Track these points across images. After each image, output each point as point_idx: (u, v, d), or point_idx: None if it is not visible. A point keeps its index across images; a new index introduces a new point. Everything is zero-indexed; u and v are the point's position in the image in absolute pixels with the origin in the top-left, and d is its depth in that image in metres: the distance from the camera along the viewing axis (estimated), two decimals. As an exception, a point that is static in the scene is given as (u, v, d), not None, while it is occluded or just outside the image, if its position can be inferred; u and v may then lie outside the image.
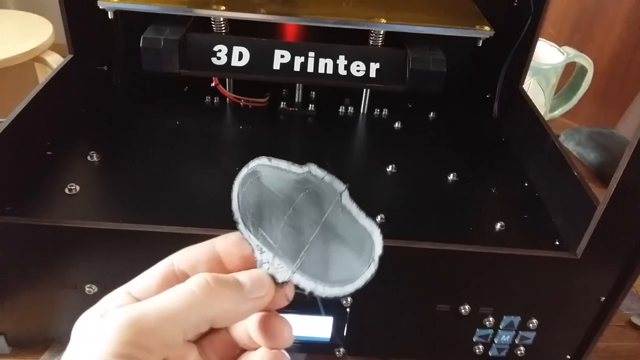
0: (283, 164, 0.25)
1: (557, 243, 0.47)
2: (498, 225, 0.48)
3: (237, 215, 0.25)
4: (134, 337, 0.20)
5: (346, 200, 0.24)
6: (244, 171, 0.25)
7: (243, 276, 0.23)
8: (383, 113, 0.64)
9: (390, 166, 0.54)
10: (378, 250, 0.24)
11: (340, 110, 0.64)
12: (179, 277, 0.24)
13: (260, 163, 0.25)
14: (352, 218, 0.24)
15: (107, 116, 0.59)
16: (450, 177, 0.54)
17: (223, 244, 0.25)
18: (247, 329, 0.25)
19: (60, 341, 0.48)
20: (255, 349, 0.25)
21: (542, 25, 0.59)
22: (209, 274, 0.22)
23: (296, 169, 0.25)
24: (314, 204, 0.24)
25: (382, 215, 0.47)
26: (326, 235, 0.24)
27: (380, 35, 0.55)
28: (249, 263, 0.25)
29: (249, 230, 0.25)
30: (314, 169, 0.24)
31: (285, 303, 0.25)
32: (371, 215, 0.46)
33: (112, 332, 0.20)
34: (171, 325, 0.21)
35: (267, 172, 0.25)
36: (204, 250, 0.25)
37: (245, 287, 0.23)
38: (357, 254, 0.24)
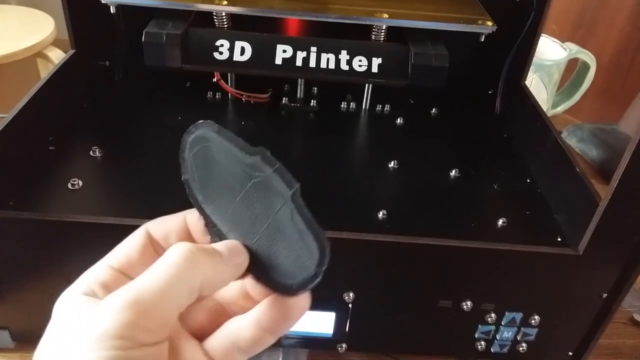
0: (232, 139, 0.23)
1: (559, 239, 0.47)
2: (500, 222, 0.48)
3: (186, 179, 0.24)
4: (133, 318, 0.19)
5: (297, 202, 0.21)
6: (193, 132, 0.24)
7: (218, 245, 0.23)
8: (385, 109, 0.64)
9: (392, 162, 0.54)
10: (322, 262, 0.21)
11: (342, 106, 0.64)
12: (155, 247, 0.24)
13: (209, 130, 0.23)
14: (300, 224, 0.21)
15: (110, 111, 0.59)
16: (453, 173, 0.54)
17: (193, 217, 0.25)
18: (237, 291, 0.25)
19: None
20: (245, 311, 0.24)
21: (545, 21, 0.59)
22: (190, 243, 0.22)
23: (246, 150, 0.22)
24: (263, 196, 0.22)
25: (384, 211, 0.47)
26: (272, 235, 0.22)
27: (383, 30, 0.55)
28: None
29: (197, 200, 0.24)
30: (264, 157, 0.22)
31: None
32: (373, 210, 0.47)
33: (112, 314, 0.19)
34: (167, 302, 0.20)
35: (216, 142, 0.23)
36: (176, 221, 0.25)
37: (223, 253, 0.22)
38: (299, 264, 0.21)
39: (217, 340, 0.24)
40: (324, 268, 0.21)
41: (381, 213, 0.47)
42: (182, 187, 0.51)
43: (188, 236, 0.25)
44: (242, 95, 0.62)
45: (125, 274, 0.23)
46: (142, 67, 0.54)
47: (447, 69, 0.54)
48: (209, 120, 0.23)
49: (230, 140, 0.23)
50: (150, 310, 0.20)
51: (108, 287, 0.22)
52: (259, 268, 0.23)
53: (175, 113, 0.59)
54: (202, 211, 0.24)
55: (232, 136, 0.23)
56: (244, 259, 0.23)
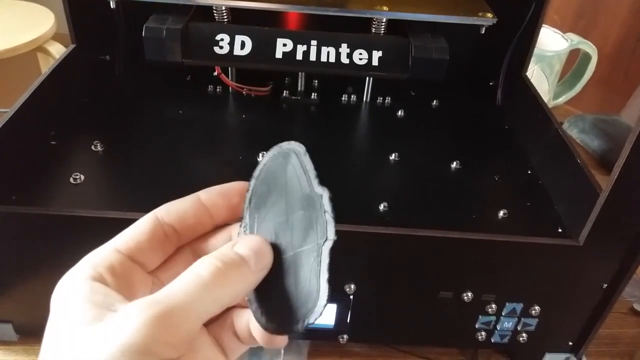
0: (309, 165, 0.24)
1: (560, 230, 0.47)
2: (501, 213, 0.48)
3: (251, 184, 0.25)
4: (159, 333, 0.18)
5: (325, 251, 0.22)
6: (283, 146, 0.24)
7: (243, 248, 0.22)
8: (386, 101, 0.64)
9: (394, 154, 0.54)
10: (313, 318, 0.22)
11: (343, 98, 0.64)
12: (166, 231, 0.24)
13: (297, 149, 0.24)
14: (317, 269, 0.22)
15: (111, 105, 0.59)
16: (454, 165, 0.54)
17: (208, 196, 0.25)
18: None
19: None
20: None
21: (546, 12, 0.59)
22: (216, 257, 0.21)
23: (313, 182, 0.24)
24: (303, 228, 0.23)
25: (386, 203, 0.47)
26: (289, 267, 0.23)
27: (383, 23, 0.55)
28: (235, 213, 0.25)
29: (248, 205, 0.25)
30: (325, 198, 0.23)
31: None
32: (375, 202, 0.47)
33: (137, 326, 0.18)
34: (194, 318, 0.19)
35: (294, 163, 0.24)
36: (189, 203, 0.25)
37: (250, 262, 0.22)
38: (298, 304, 0.22)
39: (224, 331, 0.24)
40: (312, 319, 0.22)
41: (382, 205, 0.47)
42: (183, 179, 0.51)
43: (205, 215, 0.25)
44: (243, 88, 0.62)
45: (133, 259, 0.23)
46: (143, 61, 0.54)
47: (447, 61, 0.53)
48: (300, 143, 0.24)
49: (307, 165, 0.24)
50: (177, 326, 0.19)
51: (116, 273, 0.22)
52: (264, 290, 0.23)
53: (176, 107, 0.59)
54: (244, 214, 0.25)
55: (310, 163, 0.24)
56: (269, 261, 0.23)
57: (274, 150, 0.25)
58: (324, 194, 0.23)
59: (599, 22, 1.08)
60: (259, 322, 0.23)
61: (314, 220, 0.23)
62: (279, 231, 0.23)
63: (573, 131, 0.82)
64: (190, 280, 0.20)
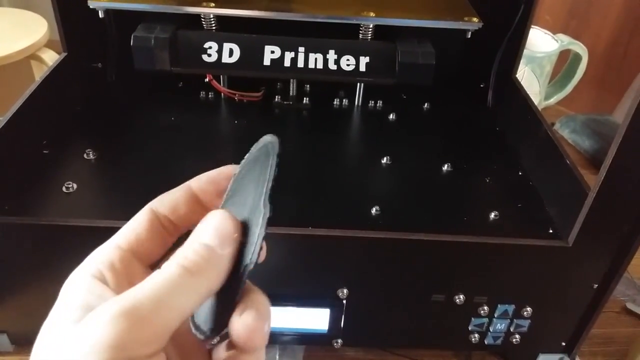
0: (270, 177, 0.23)
1: (551, 231, 0.47)
2: (492, 215, 0.48)
3: (238, 169, 0.25)
4: (127, 330, 0.18)
5: (245, 275, 0.22)
6: (273, 142, 0.24)
7: (207, 235, 0.21)
8: (378, 105, 0.65)
9: (385, 157, 0.55)
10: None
11: (335, 102, 0.64)
12: (163, 222, 0.24)
13: (276, 150, 0.23)
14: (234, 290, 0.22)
15: (103, 113, 0.59)
16: (445, 167, 0.54)
17: (197, 184, 0.25)
18: None
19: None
20: None
21: (534, 13, 0.59)
22: (183, 257, 0.21)
23: (264, 194, 0.22)
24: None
25: (377, 207, 0.48)
26: None
27: (370, 29, 0.55)
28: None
29: (228, 191, 0.25)
30: (263, 216, 0.22)
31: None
32: (366, 206, 0.47)
33: (104, 322, 0.18)
34: (165, 313, 0.19)
35: (271, 164, 0.23)
36: (181, 193, 0.25)
37: (216, 248, 0.21)
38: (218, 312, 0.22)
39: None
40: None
41: (374, 209, 0.48)
42: (176, 186, 0.51)
43: (197, 203, 0.25)
44: (235, 94, 0.63)
45: (134, 254, 0.23)
46: (134, 69, 0.54)
47: (433, 66, 0.54)
48: (277, 145, 0.24)
49: (270, 173, 0.23)
50: (146, 322, 0.19)
51: (116, 270, 0.22)
52: None
53: (168, 113, 0.60)
54: (225, 196, 0.25)
55: (273, 172, 0.23)
56: (236, 235, 0.22)
57: (269, 140, 0.24)
58: (264, 211, 0.22)
59: (591, 22, 1.09)
60: (193, 328, 0.22)
61: (251, 233, 0.22)
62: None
63: (564, 131, 0.82)
64: (159, 276, 0.20)
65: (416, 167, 0.55)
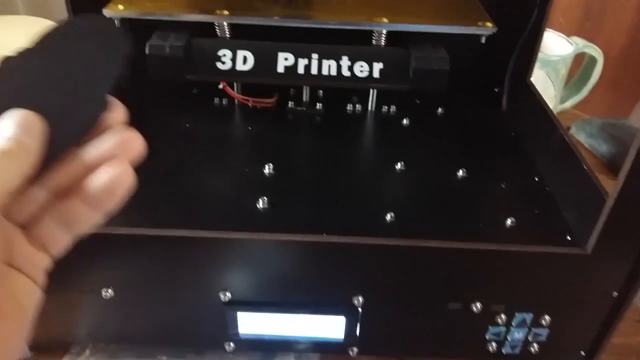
0: None
1: (569, 238, 0.46)
2: (508, 221, 0.48)
3: None
4: None
5: None
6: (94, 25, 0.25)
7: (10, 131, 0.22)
8: (391, 110, 0.64)
9: (399, 163, 0.54)
10: None
11: (348, 108, 0.64)
12: None
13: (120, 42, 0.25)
14: None
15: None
16: (460, 173, 0.54)
17: None
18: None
19: (80, 344, 0.49)
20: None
21: (549, 17, 0.59)
22: None
23: None
24: None
25: (392, 214, 0.47)
26: None
27: (383, 35, 0.55)
28: None
29: None
30: None
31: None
32: (381, 213, 0.47)
33: None
34: None
35: None
36: None
37: (17, 135, 0.22)
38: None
39: (43, 225, 0.24)
40: None
41: (389, 215, 0.47)
42: (190, 192, 0.52)
43: None
44: (249, 100, 0.63)
45: None
46: (149, 76, 0.55)
47: (447, 72, 0.53)
48: None
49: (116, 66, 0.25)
50: None
51: None
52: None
53: (182, 120, 0.60)
54: None
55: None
56: (40, 124, 0.23)
57: (97, 22, 0.26)
58: (108, 105, 0.25)
59: (605, 24, 1.08)
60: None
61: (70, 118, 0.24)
62: None
63: (581, 135, 0.81)
64: None
65: (430, 173, 0.54)
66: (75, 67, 0.24)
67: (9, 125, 0.22)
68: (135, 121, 0.62)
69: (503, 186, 0.53)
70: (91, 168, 0.24)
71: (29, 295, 0.24)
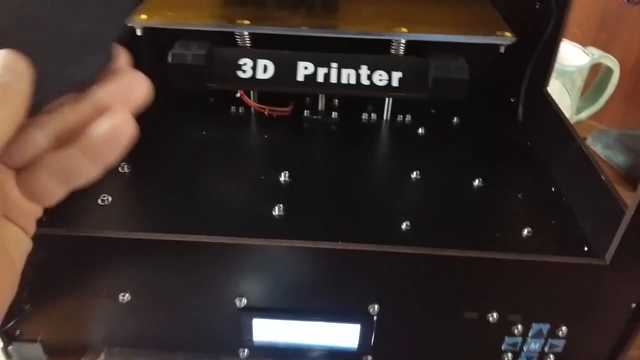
0: None
1: (586, 249, 0.46)
2: (525, 231, 0.48)
3: None
4: None
5: None
6: None
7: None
8: (406, 119, 0.64)
9: (415, 172, 0.54)
10: None
11: (364, 117, 0.64)
12: None
13: None
14: None
15: (136, 128, 0.60)
16: (476, 182, 0.54)
17: None
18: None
19: (95, 348, 0.49)
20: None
21: (565, 27, 0.59)
22: None
23: None
24: None
25: (408, 222, 0.47)
26: None
27: (402, 45, 0.55)
28: None
29: None
30: None
31: None
32: (397, 222, 0.47)
33: None
34: None
35: None
36: None
37: (5, 81, 0.20)
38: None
39: (37, 172, 0.23)
40: None
41: (404, 224, 0.47)
42: (207, 200, 0.52)
43: None
44: (265, 109, 0.63)
45: None
46: (166, 84, 0.55)
47: (467, 81, 0.53)
48: None
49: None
50: None
51: None
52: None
53: (199, 128, 0.61)
54: None
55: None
56: (24, 64, 0.21)
57: None
58: (112, 54, 0.24)
59: (621, 33, 1.07)
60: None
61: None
62: None
63: (597, 146, 0.81)
64: None
65: (446, 182, 0.54)
66: (75, 6, 0.22)
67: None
68: (154, 129, 0.63)
69: (519, 196, 0.53)
70: (94, 113, 0.23)
71: (19, 245, 0.24)
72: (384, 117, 0.64)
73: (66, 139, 0.23)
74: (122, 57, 0.25)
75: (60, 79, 0.22)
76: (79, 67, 0.23)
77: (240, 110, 0.64)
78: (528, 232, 0.48)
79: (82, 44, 0.22)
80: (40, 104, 0.22)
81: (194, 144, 0.58)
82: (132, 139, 0.24)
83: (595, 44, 0.82)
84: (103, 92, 0.24)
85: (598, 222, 0.47)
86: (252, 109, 0.64)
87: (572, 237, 0.48)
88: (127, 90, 0.24)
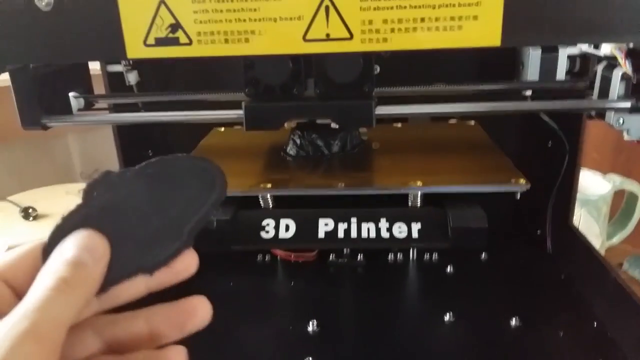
0: None
1: (642, 391, 0.43)
2: (572, 375, 0.45)
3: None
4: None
5: None
6: (204, 167, 0.26)
7: (70, 251, 0.22)
8: (433, 258, 0.64)
9: (448, 314, 0.53)
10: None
11: (389, 257, 0.64)
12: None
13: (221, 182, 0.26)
14: None
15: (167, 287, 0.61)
16: (513, 322, 0.52)
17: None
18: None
19: None
20: None
21: (580, 160, 0.60)
22: (50, 271, 0.22)
23: None
24: None
25: (445, 372, 0.45)
26: None
27: (419, 197, 0.57)
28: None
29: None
30: None
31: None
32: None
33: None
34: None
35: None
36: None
37: (84, 259, 0.22)
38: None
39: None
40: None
41: (442, 374, 0.45)
42: (237, 356, 0.50)
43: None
44: (291, 255, 0.64)
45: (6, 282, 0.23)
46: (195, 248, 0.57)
47: (486, 229, 0.54)
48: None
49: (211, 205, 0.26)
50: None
51: None
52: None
53: (227, 279, 0.61)
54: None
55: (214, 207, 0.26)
56: (103, 246, 0.23)
57: (205, 166, 0.26)
58: (187, 241, 0.26)
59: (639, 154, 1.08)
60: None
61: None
62: None
63: (635, 272, 0.78)
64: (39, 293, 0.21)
65: (482, 323, 0.52)
66: (163, 199, 0.25)
67: (71, 246, 0.23)
68: (183, 282, 0.64)
69: (561, 334, 0.50)
70: (152, 332, 0.25)
71: None
72: (410, 257, 0.64)
73: (115, 347, 0.25)
74: (192, 257, 0.27)
75: (134, 263, 0.24)
76: (153, 254, 0.25)
77: (267, 258, 0.65)
78: (576, 375, 0.44)
79: (161, 233, 0.25)
80: (109, 283, 0.24)
81: (222, 295, 0.59)
82: None
83: (615, 167, 0.83)
84: (161, 313, 0.26)
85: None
86: (278, 256, 0.64)
87: (624, 378, 0.45)
88: (185, 317, 0.27)
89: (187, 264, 0.26)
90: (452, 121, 0.73)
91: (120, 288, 0.24)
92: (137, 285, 0.25)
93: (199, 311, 0.27)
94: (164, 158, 0.25)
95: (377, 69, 0.59)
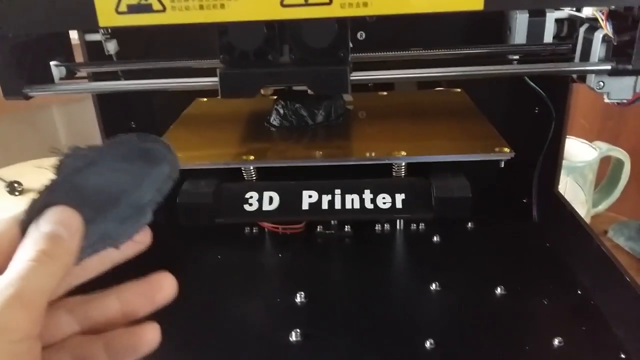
0: None
1: (623, 356, 0.43)
2: (556, 341, 0.45)
3: None
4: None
5: None
6: (153, 147, 0.27)
7: (48, 225, 0.23)
8: (420, 227, 0.64)
9: (434, 284, 0.53)
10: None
11: (377, 228, 0.64)
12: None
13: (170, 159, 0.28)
14: None
15: (155, 257, 0.61)
16: (498, 290, 0.52)
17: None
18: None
19: None
20: None
21: (567, 127, 0.59)
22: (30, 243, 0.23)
23: None
24: None
25: (432, 340, 0.45)
26: None
27: (402, 167, 0.56)
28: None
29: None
30: None
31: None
32: (420, 340, 0.45)
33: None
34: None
35: None
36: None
37: (60, 234, 0.23)
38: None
39: (58, 351, 0.25)
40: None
41: (428, 342, 0.45)
42: (224, 328, 0.51)
43: None
44: (278, 227, 0.64)
45: None
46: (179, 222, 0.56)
47: (470, 199, 0.53)
48: None
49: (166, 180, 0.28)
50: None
51: None
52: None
53: (214, 251, 0.61)
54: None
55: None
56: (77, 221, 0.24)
57: (154, 147, 0.27)
58: (148, 217, 0.27)
59: (628, 121, 1.08)
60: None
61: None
62: None
63: (620, 239, 0.79)
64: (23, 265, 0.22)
65: (468, 292, 0.53)
66: (126, 175, 0.26)
67: (49, 221, 0.23)
68: (168, 254, 0.63)
69: (545, 302, 0.51)
70: (119, 309, 0.26)
71: None
72: (397, 227, 0.64)
73: (90, 328, 0.26)
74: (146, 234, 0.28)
75: (103, 237, 0.25)
76: (121, 228, 0.26)
77: (255, 231, 0.65)
78: (559, 342, 0.45)
79: (126, 209, 0.26)
80: (82, 256, 0.25)
81: (209, 268, 0.58)
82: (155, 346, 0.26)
83: (603, 133, 0.83)
84: (131, 290, 0.27)
85: (631, 327, 0.44)
86: (266, 228, 0.64)
87: (607, 343, 0.45)
88: (153, 291, 0.27)
89: (144, 236, 0.27)
90: (439, 89, 0.72)
91: (90, 261, 0.25)
92: (105, 258, 0.26)
93: (165, 284, 0.28)
94: (124, 137, 0.26)
95: (363, 35, 0.57)
